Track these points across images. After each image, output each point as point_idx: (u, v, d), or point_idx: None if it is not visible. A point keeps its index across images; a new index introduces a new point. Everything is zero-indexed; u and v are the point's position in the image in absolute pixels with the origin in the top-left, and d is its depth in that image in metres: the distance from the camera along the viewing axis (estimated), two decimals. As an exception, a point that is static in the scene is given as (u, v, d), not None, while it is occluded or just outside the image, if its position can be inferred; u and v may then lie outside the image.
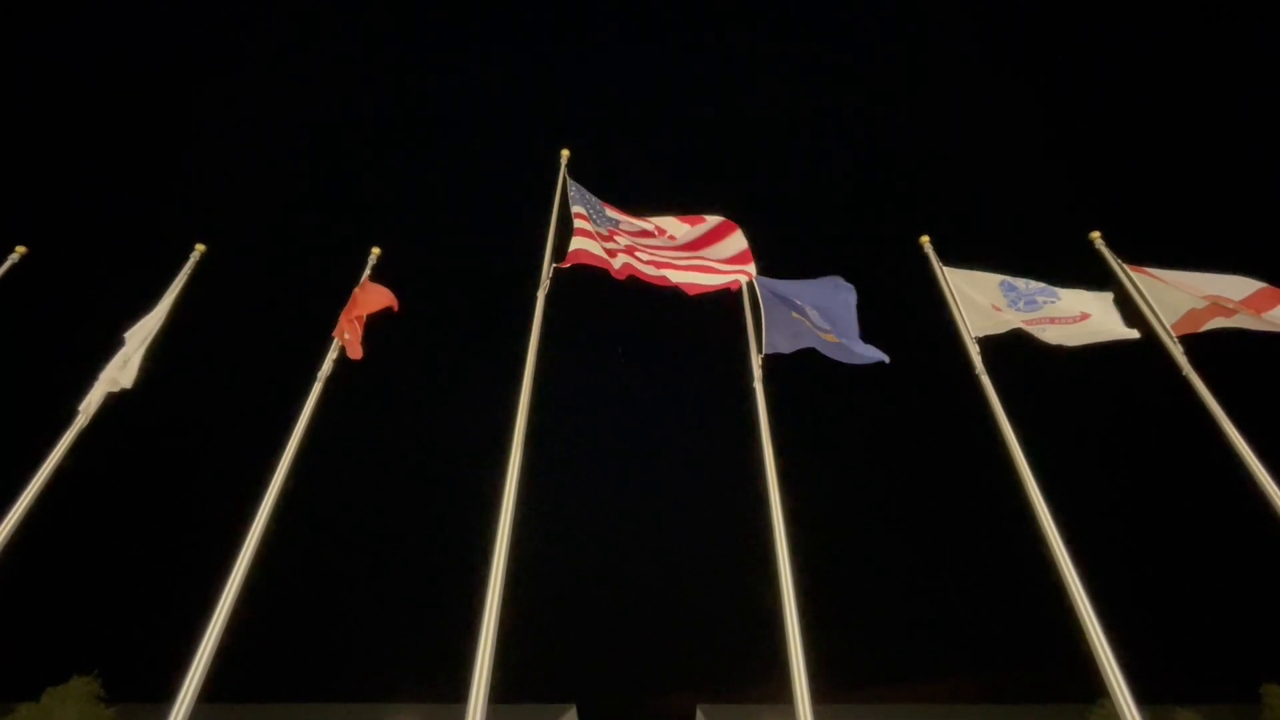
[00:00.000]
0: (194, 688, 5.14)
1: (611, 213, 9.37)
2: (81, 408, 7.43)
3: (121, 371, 7.87)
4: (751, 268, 8.91)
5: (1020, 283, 9.12)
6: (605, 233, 8.95)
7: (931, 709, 20.96)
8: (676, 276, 8.69)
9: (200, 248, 9.55)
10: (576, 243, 8.64)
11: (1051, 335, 8.71)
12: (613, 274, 8.70)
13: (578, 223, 8.89)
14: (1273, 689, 15.76)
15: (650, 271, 8.77)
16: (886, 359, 8.29)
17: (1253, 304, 8.39)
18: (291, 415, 7.27)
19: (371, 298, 8.97)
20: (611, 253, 8.77)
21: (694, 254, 9.14)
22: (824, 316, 8.65)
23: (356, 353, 8.49)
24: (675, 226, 9.35)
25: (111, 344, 8.12)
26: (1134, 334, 8.43)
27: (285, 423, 7.16)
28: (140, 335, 8.29)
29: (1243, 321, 8.42)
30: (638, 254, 8.93)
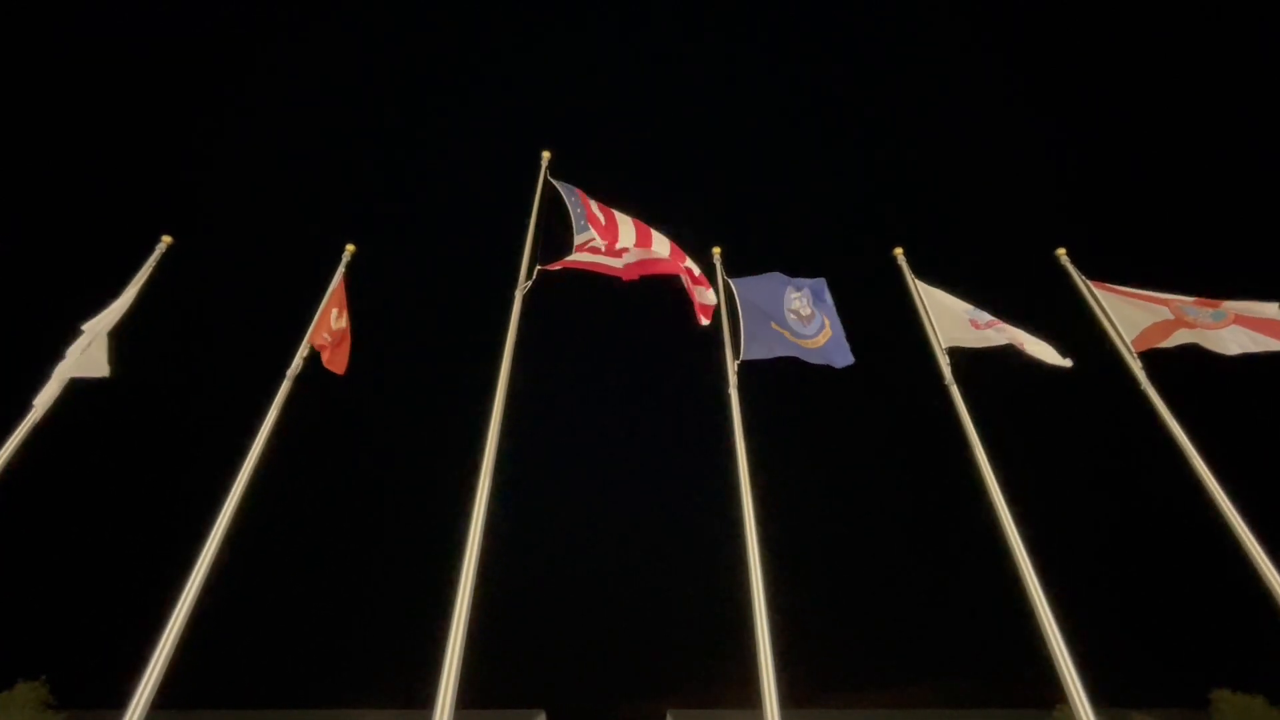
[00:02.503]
0: (148, 693, 4.98)
1: (590, 216, 9.36)
2: (36, 402, 7.18)
3: (83, 361, 7.61)
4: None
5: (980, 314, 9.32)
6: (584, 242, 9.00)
7: (896, 714, 21.26)
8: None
9: (166, 239, 9.30)
10: (576, 255, 8.74)
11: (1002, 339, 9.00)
12: (604, 273, 8.80)
13: (579, 237, 8.97)
14: (1223, 694, 16.31)
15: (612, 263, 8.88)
16: (850, 360, 8.58)
17: (1212, 304, 8.73)
18: (259, 414, 7.11)
19: (339, 343, 8.68)
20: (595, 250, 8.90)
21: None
22: (811, 315, 8.86)
23: (340, 366, 8.41)
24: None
25: (70, 336, 7.86)
26: (1066, 363, 8.61)
27: (252, 421, 7.01)
28: (99, 327, 8.04)
29: (1203, 338, 8.73)
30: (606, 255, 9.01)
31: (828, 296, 9.17)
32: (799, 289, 9.15)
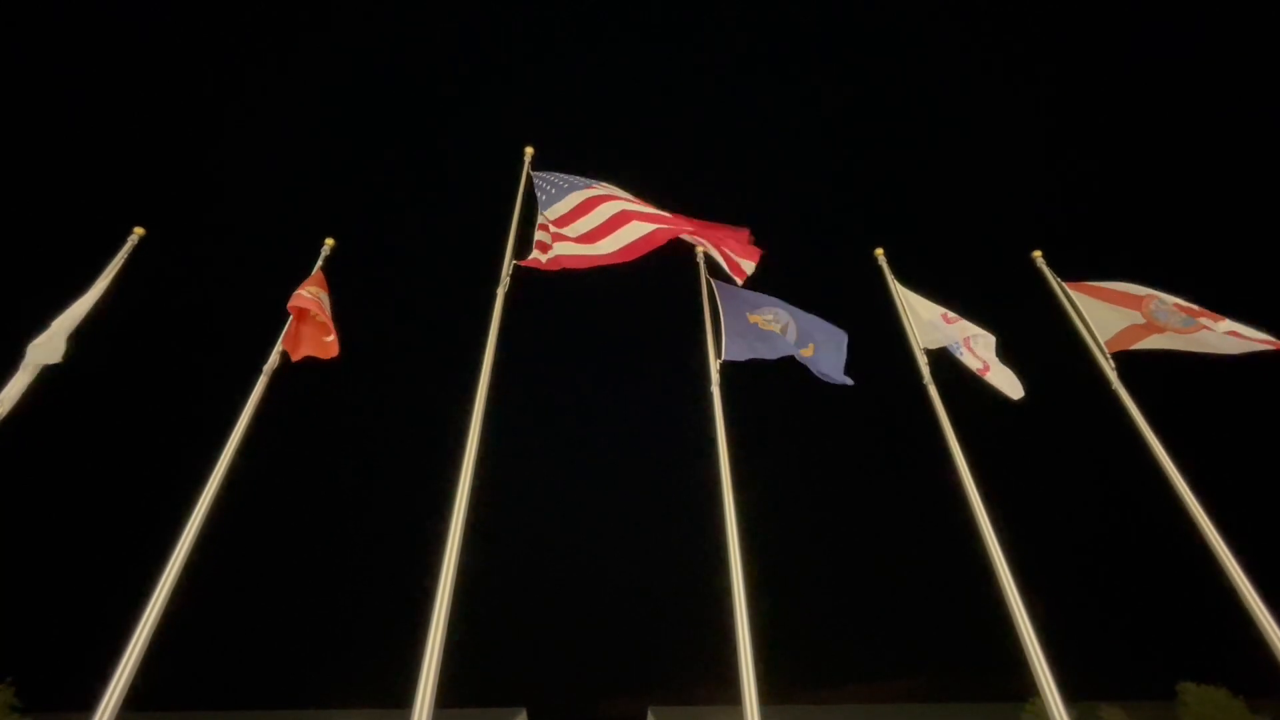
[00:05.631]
0: (118, 695, 4.87)
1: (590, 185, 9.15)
2: (2, 398, 6.97)
3: (45, 350, 7.41)
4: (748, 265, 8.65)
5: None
6: (571, 213, 8.81)
7: (874, 709, 21.54)
8: (639, 230, 8.56)
9: (139, 231, 9.07)
10: (536, 252, 8.58)
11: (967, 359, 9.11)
12: (573, 268, 8.63)
13: (539, 234, 8.82)
14: (1189, 686, 16.78)
15: (609, 248, 8.67)
16: (849, 382, 8.66)
17: (1188, 312, 8.96)
18: (233, 410, 6.98)
19: (313, 332, 8.40)
20: (577, 239, 8.71)
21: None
22: (802, 333, 8.90)
23: (327, 351, 8.17)
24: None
25: (37, 331, 7.64)
26: (1017, 395, 8.69)
27: (226, 418, 6.88)
28: (67, 320, 7.83)
29: (1173, 341, 8.96)
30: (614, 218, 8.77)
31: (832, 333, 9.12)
32: (775, 306, 9.18)
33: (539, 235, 8.80)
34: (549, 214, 8.91)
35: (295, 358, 8.15)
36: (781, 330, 8.93)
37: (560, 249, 8.73)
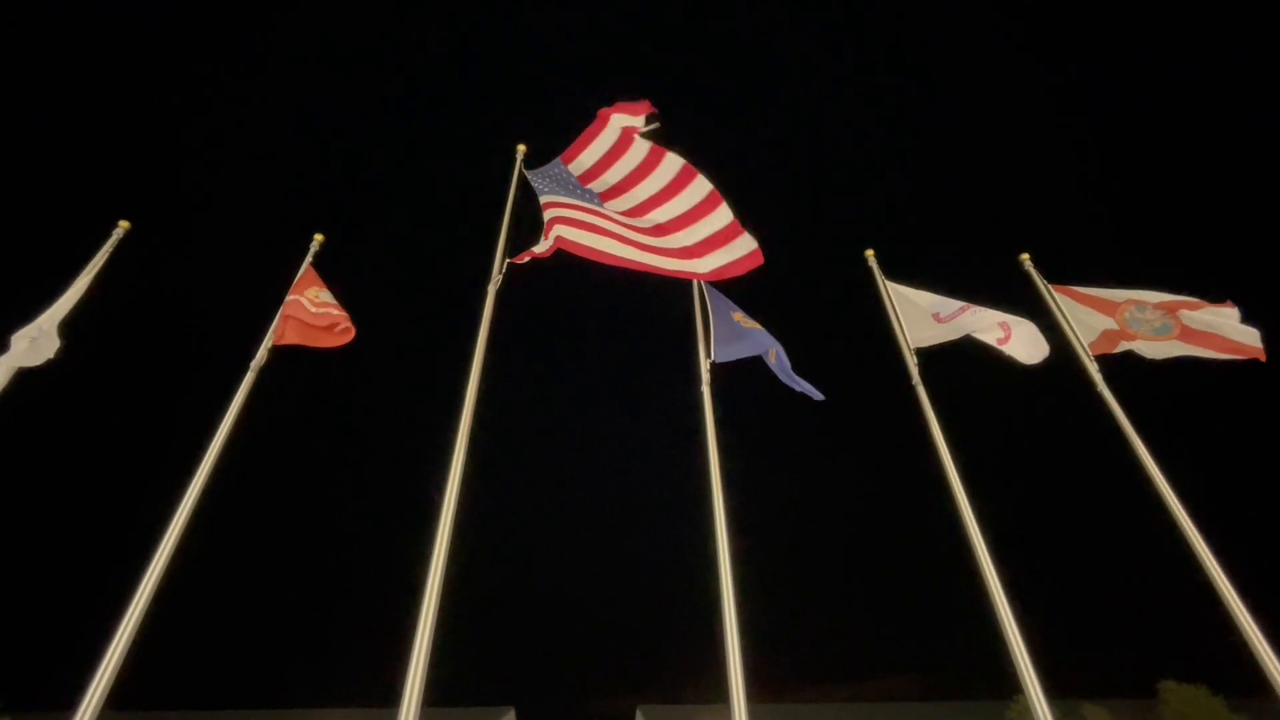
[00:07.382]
0: (100, 694, 4.81)
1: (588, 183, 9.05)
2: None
3: (30, 351, 7.31)
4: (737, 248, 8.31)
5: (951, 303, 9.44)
6: (584, 209, 8.64)
7: (860, 707, 21.68)
8: (651, 259, 8.35)
9: (124, 225, 8.96)
10: (558, 230, 8.28)
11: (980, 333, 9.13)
12: (593, 258, 8.40)
13: (549, 212, 8.58)
14: (1170, 685, 17.02)
15: (625, 254, 8.45)
16: (819, 396, 8.67)
17: (1167, 307, 9.15)
18: (220, 407, 6.92)
19: (319, 326, 8.27)
20: (593, 229, 8.49)
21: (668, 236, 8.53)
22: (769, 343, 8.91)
23: (341, 339, 8.06)
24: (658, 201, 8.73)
25: (18, 327, 7.53)
26: (1038, 358, 8.75)
27: (213, 415, 6.81)
28: (52, 316, 7.73)
29: (1143, 349, 9.17)
30: (615, 234, 8.51)
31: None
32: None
33: (597, 222, 8.54)
34: (608, 204, 8.67)
35: (296, 342, 8.04)
36: (761, 327, 8.96)
37: (657, 215, 8.48)
